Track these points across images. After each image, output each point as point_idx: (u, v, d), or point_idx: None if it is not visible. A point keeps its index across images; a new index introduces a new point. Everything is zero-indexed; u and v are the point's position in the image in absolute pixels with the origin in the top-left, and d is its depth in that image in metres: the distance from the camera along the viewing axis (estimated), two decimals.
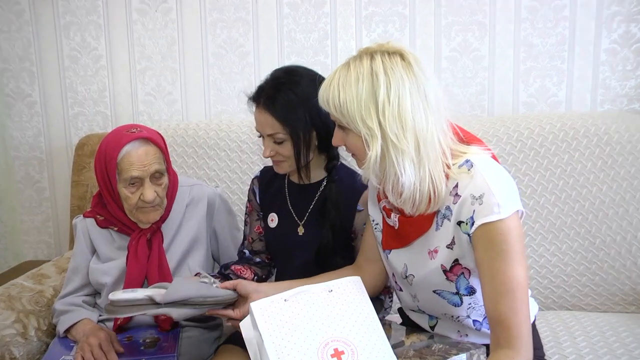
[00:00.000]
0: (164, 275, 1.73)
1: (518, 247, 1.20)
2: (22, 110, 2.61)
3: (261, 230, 1.81)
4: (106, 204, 1.76)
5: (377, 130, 1.22)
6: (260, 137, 1.64)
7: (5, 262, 2.69)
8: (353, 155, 1.35)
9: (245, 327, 1.31)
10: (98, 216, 1.80)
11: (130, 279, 1.70)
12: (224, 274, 1.74)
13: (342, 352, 1.21)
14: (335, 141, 1.36)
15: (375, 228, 1.50)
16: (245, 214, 1.86)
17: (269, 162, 2.17)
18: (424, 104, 1.23)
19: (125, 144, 1.65)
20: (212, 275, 1.69)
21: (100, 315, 1.76)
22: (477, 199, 1.22)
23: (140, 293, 1.51)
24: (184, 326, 1.77)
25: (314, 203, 1.69)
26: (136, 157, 1.64)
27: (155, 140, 1.69)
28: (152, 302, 1.49)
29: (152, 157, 1.67)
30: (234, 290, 1.48)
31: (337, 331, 1.24)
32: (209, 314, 1.49)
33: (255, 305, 1.27)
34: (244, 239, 1.85)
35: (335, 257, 1.62)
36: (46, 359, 1.63)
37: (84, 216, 1.84)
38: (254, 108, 1.61)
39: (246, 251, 1.82)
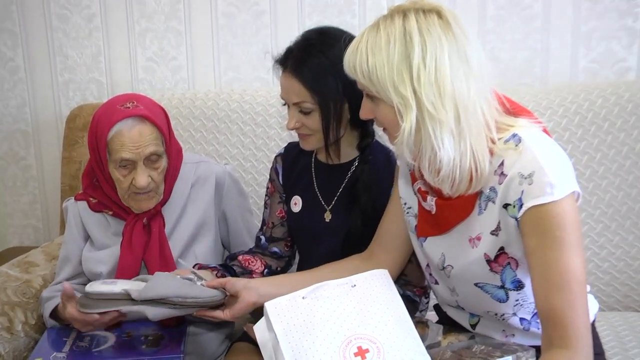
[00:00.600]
0: (166, 263, 1.76)
1: (574, 235, 1.21)
2: (4, 77, 2.66)
3: (284, 214, 1.83)
4: (100, 184, 1.80)
5: (412, 99, 1.23)
6: (284, 105, 1.66)
7: None
8: (384, 130, 1.36)
9: (259, 330, 1.35)
10: (91, 199, 1.84)
11: (123, 269, 1.74)
12: (227, 266, 1.77)
13: (367, 350, 1.23)
14: (363, 113, 1.37)
15: (408, 212, 1.51)
16: (266, 195, 1.88)
17: (287, 139, 2.18)
18: (464, 69, 1.23)
19: (117, 122, 1.65)
20: (217, 267, 1.73)
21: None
22: (526, 178, 1.23)
23: (118, 286, 1.56)
24: (190, 322, 1.81)
25: (344, 186, 1.71)
26: (128, 138, 1.65)
27: (153, 118, 1.69)
28: (129, 298, 1.53)
29: (148, 138, 1.67)
30: (223, 289, 1.52)
31: (360, 328, 1.26)
32: (197, 315, 1.54)
33: (269, 305, 1.30)
34: (263, 223, 1.88)
35: (363, 247, 1.63)
36: (34, 356, 1.67)
37: (76, 199, 1.88)
38: (280, 72, 1.63)
39: (263, 237, 1.85)
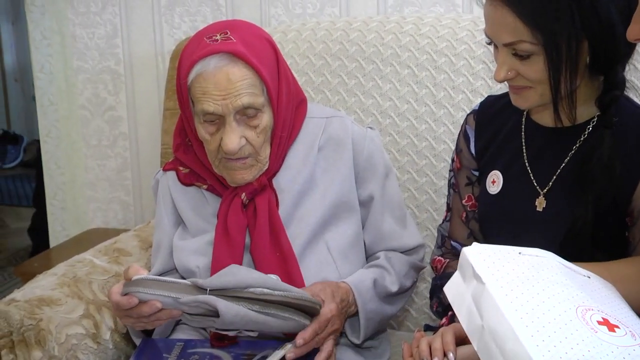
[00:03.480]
0: (283, 259, 1.78)
1: None
2: None
3: (474, 202, 1.83)
4: (192, 143, 1.85)
5: None
6: (490, 44, 1.63)
7: (63, 229, 2.95)
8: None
9: (450, 288, 1.41)
10: (180, 168, 1.90)
11: (218, 265, 1.75)
12: None
13: (616, 326, 1.28)
14: (635, 31, 1.32)
15: None
16: (450, 172, 1.87)
17: (483, 91, 2.15)
18: None
19: (198, 61, 1.69)
20: None
21: None
22: None
23: (181, 280, 1.61)
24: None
25: (569, 159, 1.67)
26: (212, 83, 1.68)
27: (248, 57, 1.70)
28: (193, 287, 1.57)
29: (239, 85, 1.68)
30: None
31: (601, 304, 1.33)
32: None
33: (469, 251, 1.37)
34: (448, 212, 1.89)
35: (594, 250, 1.59)
36: None
37: (164, 169, 1.95)
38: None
39: (445, 234, 1.86)
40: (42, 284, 1.94)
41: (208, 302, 1.54)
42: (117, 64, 2.82)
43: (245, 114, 1.71)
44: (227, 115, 1.69)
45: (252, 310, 1.55)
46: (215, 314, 1.55)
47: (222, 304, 1.53)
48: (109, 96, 2.86)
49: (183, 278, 1.87)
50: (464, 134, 1.84)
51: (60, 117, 2.88)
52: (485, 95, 1.89)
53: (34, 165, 4.31)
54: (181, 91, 1.75)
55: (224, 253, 1.78)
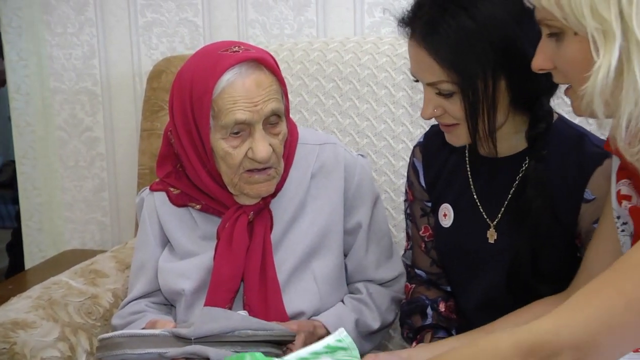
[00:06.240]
0: (265, 284, 1.78)
1: None
2: (67, 16, 2.78)
3: (431, 232, 1.82)
4: (185, 167, 1.83)
5: (616, 23, 1.20)
6: (417, 82, 1.64)
7: (39, 251, 2.91)
8: (566, 91, 1.37)
9: None
10: (171, 189, 1.88)
11: (219, 283, 1.76)
12: None
13: None
14: (538, 61, 1.37)
15: (623, 231, 1.47)
16: (405, 201, 1.88)
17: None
18: None
19: (227, 70, 1.68)
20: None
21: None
22: None
23: (158, 330, 1.60)
24: None
25: (514, 190, 1.67)
26: (243, 90, 1.68)
27: (271, 63, 1.73)
28: (175, 338, 1.57)
29: (268, 91, 1.70)
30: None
31: None
32: None
33: None
34: (408, 242, 1.90)
35: (537, 283, 1.61)
36: None
37: (152, 189, 1.92)
38: (407, 37, 1.61)
39: (409, 262, 1.88)
40: (17, 307, 1.91)
41: (197, 353, 1.54)
42: (95, 85, 2.81)
43: (269, 121, 1.72)
44: (256, 122, 1.69)
45: (235, 351, 1.55)
46: None
47: (212, 352, 1.54)
48: (86, 117, 2.84)
49: (167, 299, 1.89)
50: (412, 167, 1.85)
51: (37, 138, 2.85)
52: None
53: (10, 186, 4.27)
54: (193, 109, 1.73)
55: (226, 270, 1.77)
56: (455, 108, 1.57)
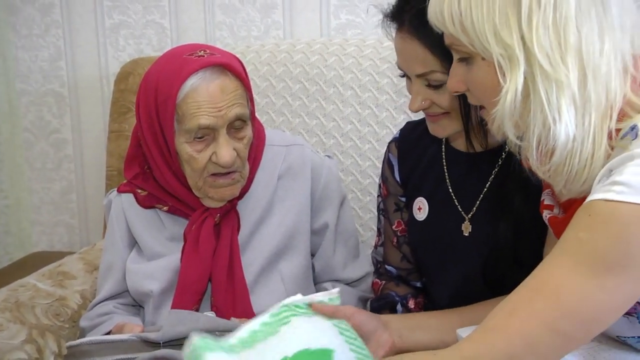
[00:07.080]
0: (233, 285, 1.78)
1: None
2: (33, 18, 2.77)
3: (404, 227, 1.83)
4: (152, 169, 1.83)
5: (519, 49, 1.23)
6: (403, 77, 1.65)
7: (6, 253, 2.89)
8: (480, 109, 1.40)
9: None
10: (139, 190, 1.88)
11: (186, 288, 1.76)
12: None
13: None
14: (453, 84, 1.39)
15: None
16: (379, 197, 1.88)
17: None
18: (597, 14, 1.22)
19: (191, 74, 1.68)
20: None
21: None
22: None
23: (126, 336, 1.60)
24: None
25: (490, 184, 1.69)
26: (207, 95, 1.68)
27: (236, 68, 1.73)
28: (144, 343, 1.57)
29: (232, 96, 1.70)
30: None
31: None
32: None
33: None
34: (379, 237, 1.90)
35: (517, 271, 1.59)
36: None
37: (119, 191, 1.93)
38: (393, 32, 1.62)
39: (379, 258, 1.88)
40: None
41: (166, 356, 1.54)
42: (62, 87, 2.80)
43: (234, 126, 1.72)
44: (220, 127, 1.69)
45: None
46: None
47: (181, 355, 1.52)
48: (53, 119, 2.83)
49: (135, 301, 1.89)
50: (387, 162, 1.85)
51: (3, 140, 2.83)
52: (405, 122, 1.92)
53: None
54: (157, 112, 1.73)
55: (193, 272, 1.77)
56: (443, 99, 1.59)
